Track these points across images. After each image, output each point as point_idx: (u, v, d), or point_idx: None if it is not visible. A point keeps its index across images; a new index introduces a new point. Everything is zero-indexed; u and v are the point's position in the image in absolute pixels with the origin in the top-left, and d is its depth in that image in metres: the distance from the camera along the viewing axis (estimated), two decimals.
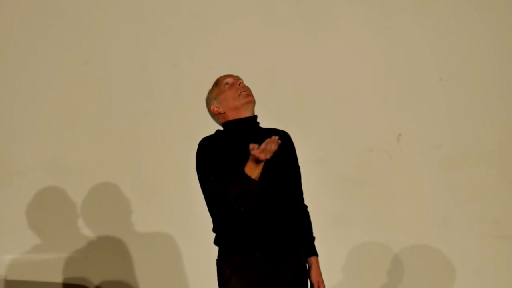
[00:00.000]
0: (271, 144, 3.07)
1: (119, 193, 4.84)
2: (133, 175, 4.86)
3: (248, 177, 3.13)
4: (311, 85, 4.92)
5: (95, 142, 4.89)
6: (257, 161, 3.09)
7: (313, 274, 3.38)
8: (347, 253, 4.77)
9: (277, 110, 4.75)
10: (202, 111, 4.91)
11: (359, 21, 4.94)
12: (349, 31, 4.94)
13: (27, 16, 4.96)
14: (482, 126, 4.87)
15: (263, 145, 3.06)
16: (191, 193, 4.74)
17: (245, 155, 3.16)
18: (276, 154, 3.22)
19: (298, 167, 3.44)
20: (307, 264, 3.38)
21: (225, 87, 3.46)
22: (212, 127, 4.85)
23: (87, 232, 4.82)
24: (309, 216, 3.46)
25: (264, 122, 3.48)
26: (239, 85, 3.43)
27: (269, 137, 3.13)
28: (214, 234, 3.42)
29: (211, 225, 3.42)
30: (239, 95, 3.40)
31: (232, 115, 3.40)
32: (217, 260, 3.35)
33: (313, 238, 3.44)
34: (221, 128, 3.48)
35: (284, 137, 3.40)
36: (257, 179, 3.13)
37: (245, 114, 3.39)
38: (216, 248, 3.41)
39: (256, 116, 3.42)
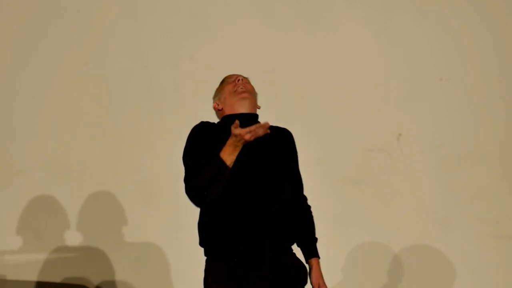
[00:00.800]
0: (260, 129, 3.02)
1: (119, 193, 4.84)
2: (133, 175, 4.86)
3: (223, 162, 3.07)
4: (311, 85, 4.92)
5: (95, 142, 4.89)
6: (236, 151, 3.05)
7: (314, 276, 3.30)
8: (347, 253, 4.77)
9: (277, 110, 4.74)
10: (202, 111, 4.91)
11: (359, 21, 4.94)
12: (349, 31, 4.94)
13: (27, 16, 4.96)
14: (482, 126, 4.87)
15: (252, 127, 3.00)
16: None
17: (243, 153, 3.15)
18: (271, 151, 3.22)
19: (297, 167, 3.38)
20: (307, 266, 3.31)
21: (225, 84, 3.44)
22: None
23: (87, 232, 4.82)
24: (311, 217, 3.39)
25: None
26: (237, 81, 3.39)
27: (268, 135, 3.12)
28: None
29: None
30: (235, 91, 3.36)
31: (228, 112, 3.37)
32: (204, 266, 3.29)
33: (315, 240, 3.36)
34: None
35: (285, 135, 3.36)
36: (231, 166, 3.06)
37: (240, 110, 3.32)
38: None
39: (252, 114, 3.34)
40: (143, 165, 4.87)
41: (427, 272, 4.80)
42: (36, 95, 4.92)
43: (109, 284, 4.78)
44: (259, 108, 3.45)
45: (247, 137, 3.02)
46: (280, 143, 3.31)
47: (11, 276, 4.78)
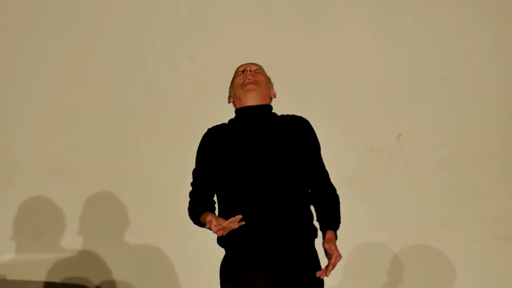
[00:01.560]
0: (233, 224, 2.99)
1: (119, 193, 4.84)
2: (133, 175, 4.86)
3: (201, 223, 3.16)
4: (311, 85, 4.92)
5: (95, 142, 4.89)
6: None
7: (325, 241, 3.15)
8: (347, 253, 4.76)
9: (277, 110, 4.74)
10: (202, 111, 4.92)
11: (359, 21, 4.94)
12: (349, 31, 4.94)
13: (27, 16, 4.96)
14: (482, 126, 4.87)
15: (226, 223, 2.98)
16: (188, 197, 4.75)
17: (240, 145, 3.17)
18: (277, 141, 3.17)
19: (315, 154, 3.28)
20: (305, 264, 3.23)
21: (235, 76, 3.40)
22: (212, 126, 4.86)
23: (87, 232, 4.82)
24: (334, 200, 3.24)
25: None
26: (245, 73, 3.34)
27: (280, 124, 3.16)
28: (212, 235, 3.41)
29: None
30: (242, 83, 3.32)
31: (237, 104, 3.33)
32: None
33: (331, 217, 3.20)
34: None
35: (298, 123, 3.29)
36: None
37: (247, 102, 3.28)
38: (216, 249, 3.40)
39: (260, 105, 3.28)
40: (143, 165, 4.87)
41: (427, 272, 4.80)
42: (36, 95, 4.92)
43: (109, 284, 4.78)
44: (274, 96, 3.39)
45: (219, 233, 3.03)
46: (290, 132, 3.25)
47: (11, 276, 4.78)
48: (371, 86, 4.91)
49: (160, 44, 4.95)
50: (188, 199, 3.31)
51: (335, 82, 4.91)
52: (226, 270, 3.22)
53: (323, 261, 3.23)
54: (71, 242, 4.81)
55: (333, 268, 3.11)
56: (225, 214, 3.17)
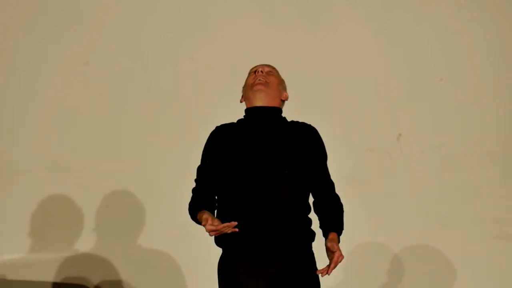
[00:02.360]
0: (227, 229, 3.02)
1: (119, 193, 4.84)
2: (133, 175, 4.86)
3: (197, 220, 3.19)
4: (311, 85, 4.92)
5: (95, 142, 4.89)
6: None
7: (327, 240, 3.15)
8: (347, 253, 4.74)
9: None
10: (202, 111, 4.92)
11: (359, 21, 4.94)
12: (349, 31, 4.94)
13: (27, 16, 4.96)
14: (482, 126, 4.87)
15: (220, 226, 3.01)
16: (190, 193, 4.75)
17: (244, 146, 3.18)
18: (282, 147, 3.18)
19: (321, 162, 3.29)
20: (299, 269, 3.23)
21: (248, 77, 3.41)
22: (212, 127, 4.86)
23: (87, 232, 4.82)
24: (337, 206, 3.25)
25: None
26: (256, 73, 3.36)
27: (286, 129, 3.19)
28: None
29: None
30: (252, 83, 3.34)
31: (247, 104, 3.35)
32: None
33: (333, 221, 3.21)
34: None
35: (306, 130, 3.30)
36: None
37: (255, 103, 3.30)
38: (216, 249, 3.41)
39: (268, 107, 3.29)
40: (143, 165, 4.88)
41: (427, 272, 4.80)
42: (36, 95, 4.92)
43: (109, 284, 4.78)
44: (284, 98, 3.39)
45: (212, 234, 3.06)
46: (298, 139, 3.25)
47: (11, 276, 4.78)
48: (371, 86, 4.91)
49: (160, 44, 4.95)
50: (191, 194, 3.32)
51: (335, 82, 4.91)
52: (222, 270, 3.24)
53: (322, 264, 3.23)
54: (71, 242, 4.81)
55: (335, 266, 3.10)
56: (223, 214, 3.19)
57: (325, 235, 3.20)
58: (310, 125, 3.35)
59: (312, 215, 3.28)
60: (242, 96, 3.42)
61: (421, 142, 4.88)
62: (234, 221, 3.06)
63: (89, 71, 4.94)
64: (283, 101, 3.41)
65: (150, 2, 4.98)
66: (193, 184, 3.40)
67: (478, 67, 4.91)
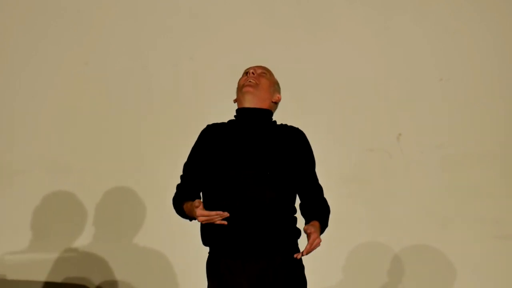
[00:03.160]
0: (216, 218, 3.06)
1: (119, 193, 4.84)
2: (133, 175, 4.86)
3: (183, 212, 3.22)
4: (311, 85, 4.92)
5: (95, 142, 4.89)
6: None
7: (305, 226, 3.14)
8: (347, 253, 4.77)
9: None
10: (202, 111, 4.92)
11: (359, 21, 4.95)
12: (349, 31, 4.94)
13: (27, 16, 4.96)
14: (482, 126, 4.87)
15: (212, 213, 3.06)
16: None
17: (230, 146, 3.20)
18: (268, 149, 3.20)
19: (308, 166, 3.30)
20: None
21: (241, 77, 3.44)
22: None
23: (87, 232, 4.82)
24: (323, 205, 3.26)
25: None
26: (248, 75, 3.39)
27: (274, 131, 3.20)
28: None
29: None
30: (242, 84, 3.37)
31: (238, 105, 3.38)
32: None
33: (317, 216, 3.20)
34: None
35: (294, 134, 3.31)
36: (189, 218, 3.22)
37: (244, 104, 3.33)
38: None
39: (256, 109, 3.31)
40: (143, 165, 4.88)
41: (427, 272, 4.80)
42: (36, 95, 4.92)
43: (110, 284, 4.78)
44: (275, 100, 3.40)
45: (201, 219, 3.09)
46: (283, 141, 3.27)
47: (11, 276, 4.78)
48: (371, 86, 4.91)
49: (160, 44, 4.95)
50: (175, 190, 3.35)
51: (335, 82, 4.91)
52: (209, 267, 3.25)
53: (309, 262, 3.23)
54: (71, 242, 4.81)
55: (309, 248, 3.08)
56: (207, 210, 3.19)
57: (307, 222, 3.21)
58: (298, 128, 3.36)
59: (298, 216, 3.28)
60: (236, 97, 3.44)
61: (421, 142, 4.88)
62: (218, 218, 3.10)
63: (89, 71, 4.94)
64: (275, 103, 3.42)
65: (150, 2, 4.98)
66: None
67: (478, 67, 4.91)
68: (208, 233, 3.19)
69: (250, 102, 3.32)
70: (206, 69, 4.93)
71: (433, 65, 4.91)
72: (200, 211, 3.07)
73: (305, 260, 3.28)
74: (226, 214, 3.07)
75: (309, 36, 4.95)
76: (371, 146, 4.90)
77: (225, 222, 3.08)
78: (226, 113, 4.87)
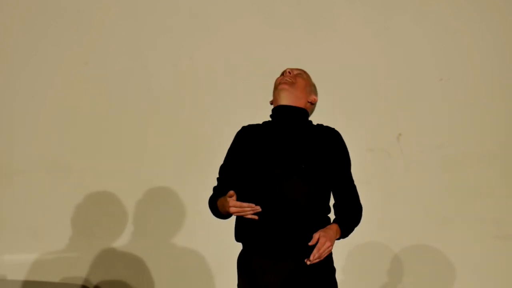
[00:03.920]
0: (247, 210, 3.09)
1: (119, 193, 4.84)
2: (133, 175, 4.86)
3: (217, 208, 3.26)
4: None
5: (95, 142, 4.89)
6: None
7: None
8: (347, 253, 4.77)
9: None
10: (202, 111, 4.92)
11: (359, 21, 4.95)
12: (349, 31, 4.94)
13: (27, 16, 4.96)
14: (482, 126, 4.87)
15: (245, 204, 3.09)
16: (191, 193, 4.76)
17: (265, 143, 3.22)
18: (302, 150, 3.20)
19: (343, 167, 3.30)
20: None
21: (277, 78, 3.45)
22: (212, 127, 4.86)
23: (87, 232, 4.83)
24: (355, 210, 3.24)
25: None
26: (285, 73, 3.40)
27: (309, 129, 3.23)
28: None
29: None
30: (278, 83, 3.38)
31: (274, 104, 3.39)
32: None
33: (342, 221, 3.20)
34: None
35: (329, 134, 3.31)
36: (224, 213, 3.23)
37: (280, 102, 3.34)
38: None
39: (291, 106, 3.31)
40: (143, 165, 4.88)
41: (427, 272, 4.80)
42: (36, 95, 4.92)
43: (109, 284, 4.79)
44: (312, 101, 3.40)
45: (232, 210, 3.12)
46: (319, 140, 3.27)
47: (11, 276, 4.78)
48: (371, 86, 4.91)
49: (160, 44, 4.95)
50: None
51: (335, 82, 4.91)
52: (241, 264, 3.26)
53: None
54: (71, 242, 4.81)
55: (317, 252, 3.07)
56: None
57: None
58: (334, 129, 3.36)
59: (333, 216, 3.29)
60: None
61: (421, 142, 4.88)
62: (252, 216, 3.12)
63: (89, 71, 4.94)
64: (311, 104, 3.42)
65: (150, 2, 4.98)
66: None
67: (478, 67, 4.91)
68: (242, 229, 3.21)
69: (286, 100, 3.33)
70: (206, 69, 4.93)
71: (433, 65, 4.91)
72: (233, 201, 3.10)
73: None
74: (258, 208, 3.09)
75: (309, 36, 4.95)
76: (371, 146, 4.90)
77: (256, 217, 3.10)
78: (226, 113, 4.89)
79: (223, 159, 3.39)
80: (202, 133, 4.88)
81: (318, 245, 3.07)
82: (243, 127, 3.40)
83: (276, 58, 4.91)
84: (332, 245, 3.10)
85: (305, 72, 3.47)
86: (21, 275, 4.78)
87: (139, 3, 4.98)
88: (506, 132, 4.88)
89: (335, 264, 3.28)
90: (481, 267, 4.78)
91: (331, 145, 3.29)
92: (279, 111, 3.32)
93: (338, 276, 3.31)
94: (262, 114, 3.47)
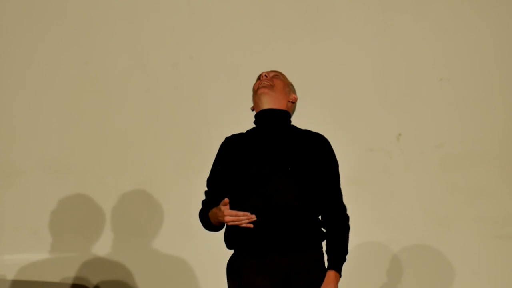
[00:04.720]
0: (242, 219, 3.10)
1: (118, 193, 4.84)
2: (133, 175, 4.86)
3: (209, 220, 3.25)
4: (311, 85, 4.91)
5: (95, 142, 4.89)
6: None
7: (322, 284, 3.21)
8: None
9: None
10: (202, 111, 4.92)
11: (359, 21, 4.94)
12: (349, 31, 4.94)
13: (27, 16, 4.96)
14: (482, 125, 4.87)
15: (240, 213, 3.10)
16: (191, 193, 4.75)
17: (251, 148, 3.22)
18: (286, 154, 3.20)
19: (329, 174, 3.28)
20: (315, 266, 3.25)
21: (255, 83, 3.44)
22: (212, 127, 4.86)
23: (87, 232, 4.83)
24: (341, 229, 3.29)
25: None
26: (262, 77, 3.39)
27: (293, 133, 3.23)
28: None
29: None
30: (257, 88, 3.37)
31: (256, 110, 3.38)
32: None
33: (335, 252, 3.25)
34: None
35: (316, 139, 3.31)
36: (216, 224, 3.23)
37: (261, 106, 3.33)
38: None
39: (272, 110, 3.30)
40: (143, 165, 4.88)
41: (427, 272, 4.80)
42: (36, 95, 4.92)
43: (108, 284, 4.78)
44: (292, 100, 3.40)
45: (227, 219, 3.12)
46: (305, 144, 3.27)
47: (11, 276, 4.78)
48: (371, 86, 4.91)
49: (160, 44, 4.95)
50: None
51: (335, 82, 4.91)
52: (231, 268, 3.25)
53: None
54: (71, 242, 4.81)
55: None
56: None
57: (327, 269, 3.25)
58: (321, 134, 3.37)
59: None
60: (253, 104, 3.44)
61: (421, 142, 4.88)
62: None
63: (89, 71, 4.94)
64: (292, 103, 3.42)
65: (150, 2, 4.98)
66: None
67: (478, 67, 4.90)
68: (232, 236, 3.20)
69: (267, 103, 3.32)
70: (206, 69, 4.92)
71: (433, 65, 4.90)
72: (227, 210, 3.10)
73: None
74: (254, 217, 3.09)
75: (309, 36, 4.95)
76: (371, 146, 4.90)
77: (251, 225, 3.10)
78: (226, 113, 4.88)
79: (214, 163, 3.39)
80: (203, 133, 4.88)
81: None
82: (227, 138, 3.39)
83: (276, 58, 4.91)
84: None
85: (280, 73, 3.46)
86: (21, 275, 4.78)
87: (139, 3, 4.98)
88: (506, 132, 4.87)
89: None
90: (481, 267, 4.78)
91: (318, 150, 3.28)
92: (262, 116, 3.31)
93: None
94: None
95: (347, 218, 3.34)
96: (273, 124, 3.30)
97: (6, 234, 4.82)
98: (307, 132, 3.35)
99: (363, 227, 4.80)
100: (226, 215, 3.12)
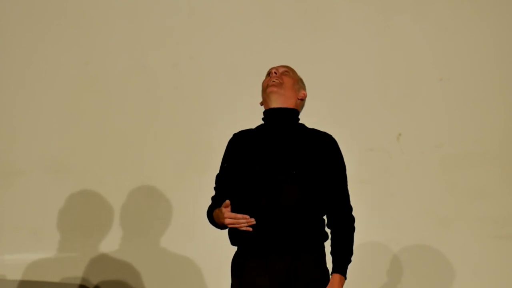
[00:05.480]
0: (242, 222, 3.12)
1: (119, 193, 4.84)
2: (133, 175, 4.86)
3: (213, 219, 3.26)
4: (311, 85, 4.89)
5: (95, 142, 4.89)
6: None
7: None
8: None
9: None
10: (202, 111, 4.92)
11: (359, 21, 4.94)
12: (349, 31, 4.94)
13: (27, 16, 4.96)
14: (482, 125, 4.87)
15: (239, 215, 3.11)
16: (191, 193, 4.76)
17: (257, 146, 3.21)
18: (291, 153, 3.19)
19: (336, 175, 3.28)
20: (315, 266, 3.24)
21: (264, 79, 3.42)
22: (212, 127, 4.86)
23: (87, 232, 4.83)
24: (346, 231, 3.26)
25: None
26: (271, 75, 3.37)
27: (301, 132, 3.23)
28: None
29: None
30: (266, 86, 3.35)
31: (264, 106, 3.36)
32: None
33: (340, 255, 3.24)
34: None
35: (324, 139, 3.30)
36: (220, 224, 3.23)
37: (270, 105, 3.31)
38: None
39: (282, 108, 3.29)
40: (143, 165, 4.88)
41: (427, 272, 4.80)
42: (36, 95, 4.92)
43: (108, 284, 4.79)
44: (301, 97, 3.39)
45: (227, 221, 3.14)
46: (312, 144, 3.26)
47: (11, 276, 4.78)
48: (371, 86, 4.91)
49: (160, 44, 4.95)
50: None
51: (335, 82, 4.91)
52: (234, 266, 3.26)
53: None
54: (71, 242, 4.82)
55: None
56: (232, 211, 3.21)
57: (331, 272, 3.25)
58: (329, 134, 3.36)
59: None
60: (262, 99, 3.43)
61: (421, 142, 4.88)
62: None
63: (89, 71, 4.94)
64: (301, 100, 3.42)
65: (150, 2, 4.98)
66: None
67: (478, 67, 4.90)
68: (236, 233, 3.20)
69: (276, 102, 3.30)
70: (206, 69, 4.93)
71: (433, 65, 4.90)
72: (228, 213, 3.12)
73: None
74: (253, 220, 3.10)
75: (309, 36, 4.95)
76: (371, 146, 4.90)
77: (250, 229, 3.11)
78: (226, 112, 4.89)
79: (222, 159, 3.39)
80: (203, 133, 4.88)
81: None
82: (235, 134, 3.38)
83: (276, 58, 4.90)
84: None
85: (290, 68, 3.46)
86: (21, 275, 4.78)
87: (139, 3, 4.98)
88: (506, 132, 4.88)
89: None
90: (481, 267, 4.78)
91: (325, 150, 3.27)
92: (270, 114, 3.31)
93: None
94: (261, 114, 3.47)
95: (353, 219, 3.32)
96: (281, 124, 3.30)
97: (6, 234, 4.82)
98: (315, 132, 3.33)
99: (363, 227, 4.80)
100: (226, 217, 3.13)
